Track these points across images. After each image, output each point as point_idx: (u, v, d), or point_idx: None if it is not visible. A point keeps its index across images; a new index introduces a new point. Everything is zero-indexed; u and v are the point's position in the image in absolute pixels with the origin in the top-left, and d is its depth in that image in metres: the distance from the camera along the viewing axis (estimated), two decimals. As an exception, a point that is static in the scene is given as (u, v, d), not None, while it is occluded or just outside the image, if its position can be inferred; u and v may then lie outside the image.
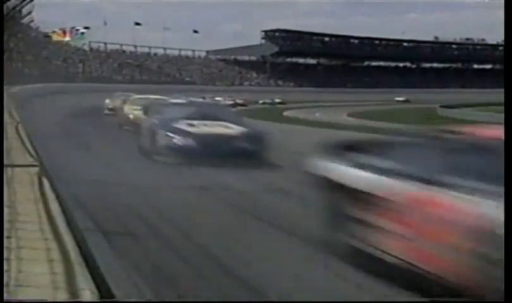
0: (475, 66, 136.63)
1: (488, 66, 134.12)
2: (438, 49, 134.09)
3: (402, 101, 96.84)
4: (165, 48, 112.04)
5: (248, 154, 13.51)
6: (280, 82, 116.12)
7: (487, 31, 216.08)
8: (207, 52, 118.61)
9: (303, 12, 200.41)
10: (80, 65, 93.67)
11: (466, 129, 5.48)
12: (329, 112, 61.51)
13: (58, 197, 7.38)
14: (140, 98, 25.42)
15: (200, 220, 7.78)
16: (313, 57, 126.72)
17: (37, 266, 4.37)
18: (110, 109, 32.08)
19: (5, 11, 51.70)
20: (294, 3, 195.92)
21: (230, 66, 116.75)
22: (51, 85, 65.40)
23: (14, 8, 64.61)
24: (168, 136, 13.83)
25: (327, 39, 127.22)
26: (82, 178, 10.21)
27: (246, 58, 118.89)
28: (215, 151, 13.25)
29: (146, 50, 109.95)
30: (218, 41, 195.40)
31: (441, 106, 65.72)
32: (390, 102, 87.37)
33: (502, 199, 4.29)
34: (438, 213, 4.78)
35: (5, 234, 5.12)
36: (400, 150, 5.87)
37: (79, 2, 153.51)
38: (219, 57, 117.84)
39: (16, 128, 17.18)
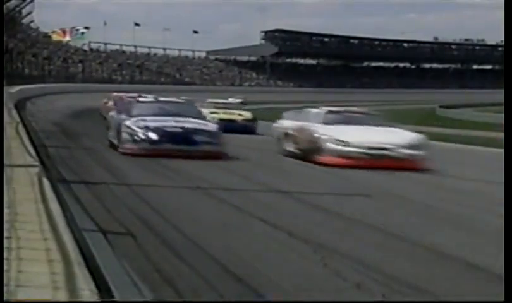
0: (475, 67, 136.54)
1: (488, 67, 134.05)
2: (437, 49, 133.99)
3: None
4: (165, 49, 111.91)
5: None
6: (279, 82, 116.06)
7: (487, 31, 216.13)
8: (207, 52, 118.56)
9: (303, 13, 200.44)
10: (80, 65, 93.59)
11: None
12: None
13: (58, 197, 7.38)
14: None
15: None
16: (312, 57, 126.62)
17: (37, 266, 4.37)
18: None
19: (5, 12, 51.65)
20: (294, 3, 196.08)
21: (230, 66, 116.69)
22: (53, 86, 65.40)
23: (14, 8, 64.57)
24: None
25: (326, 39, 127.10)
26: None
27: (246, 58, 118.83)
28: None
29: (146, 50, 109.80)
30: (218, 42, 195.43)
31: (440, 107, 65.70)
32: (390, 102, 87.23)
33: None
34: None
35: (5, 234, 5.11)
36: None
37: (79, 2, 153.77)
38: (218, 57, 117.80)
39: (16, 128, 17.16)
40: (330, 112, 16.90)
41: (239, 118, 26.85)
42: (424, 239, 7.40)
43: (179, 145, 14.97)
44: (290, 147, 16.66)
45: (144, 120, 15.56)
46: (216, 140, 15.54)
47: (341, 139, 14.76)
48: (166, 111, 16.63)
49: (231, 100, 30.42)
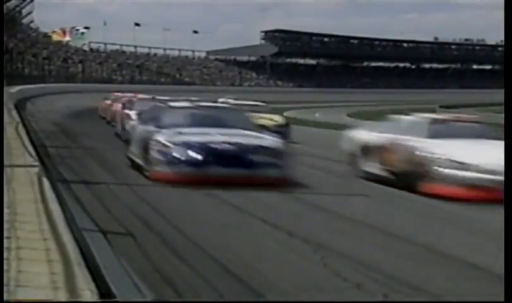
0: (475, 67, 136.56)
1: (488, 67, 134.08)
2: (437, 50, 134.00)
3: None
4: (165, 49, 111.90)
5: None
6: (279, 82, 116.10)
7: (487, 31, 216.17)
8: (207, 52, 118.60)
9: (303, 13, 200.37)
10: (80, 65, 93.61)
11: None
12: (328, 112, 61.50)
13: (58, 197, 7.38)
14: None
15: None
16: (312, 57, 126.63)
17: (37, 266, 4.37)
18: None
19: (5, 12, 51.64)
20: (294, 3, 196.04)
21: (230, 66, 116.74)
22: (53, 86, 65.42)
23: (14, 8, 64.58)
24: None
25: (326, 39, 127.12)
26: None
27: (246, 58, 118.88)
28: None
29: (146, 50, 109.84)
30: (218, 42, 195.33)
31: (440, 107, 65.70)
32: (390, 103, 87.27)
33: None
34: None
35: (5, 234, 5.11)
36: None
37: (79, 2, 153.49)
38: (218, 57, 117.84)
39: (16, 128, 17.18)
40: (437, 120, 12.98)
41: (270, 123, 22.39)
42: (424, 239, 7.39)
43: (232, 169, 11.11)
44: (374, 168, 12.76)
45: (181, 134, 11.73)
46: (282, 161, 11.49)
47: (461, 160, 10.80)
48: (208, 120, 12.56)
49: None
